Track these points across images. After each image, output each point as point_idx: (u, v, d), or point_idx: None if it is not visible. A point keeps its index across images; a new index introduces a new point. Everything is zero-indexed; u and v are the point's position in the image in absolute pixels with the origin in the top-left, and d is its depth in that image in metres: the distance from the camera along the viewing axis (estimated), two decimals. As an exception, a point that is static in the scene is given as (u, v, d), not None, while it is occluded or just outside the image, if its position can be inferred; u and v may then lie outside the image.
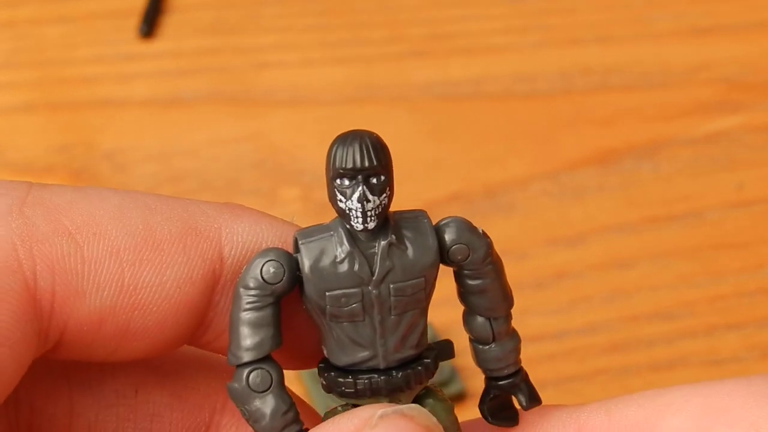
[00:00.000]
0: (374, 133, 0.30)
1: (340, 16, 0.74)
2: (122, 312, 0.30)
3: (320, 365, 0.31)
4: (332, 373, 0.31)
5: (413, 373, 0.31)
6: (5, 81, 0.72)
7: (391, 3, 0.75)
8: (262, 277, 0.30)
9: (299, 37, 0.74)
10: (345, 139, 0.30)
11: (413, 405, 0.30)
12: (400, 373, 0.30)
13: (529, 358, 0.58)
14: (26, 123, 0.70)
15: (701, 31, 0.74)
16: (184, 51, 0.74)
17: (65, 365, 0.33)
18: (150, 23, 0.74)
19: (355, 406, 0.31)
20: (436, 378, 0.55)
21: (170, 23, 0.75)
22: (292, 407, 0.30)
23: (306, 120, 0.69)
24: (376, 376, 0.30)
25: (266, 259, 0.30)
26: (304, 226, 0.31)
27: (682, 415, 0.31)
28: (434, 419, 0.29)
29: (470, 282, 0.31)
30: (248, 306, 0.30)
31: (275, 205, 0.65)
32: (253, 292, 0.30)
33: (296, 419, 0.30)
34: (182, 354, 0.34)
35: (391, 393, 0.30)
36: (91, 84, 0.72)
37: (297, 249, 0.30)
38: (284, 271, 0.30)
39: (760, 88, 0.71)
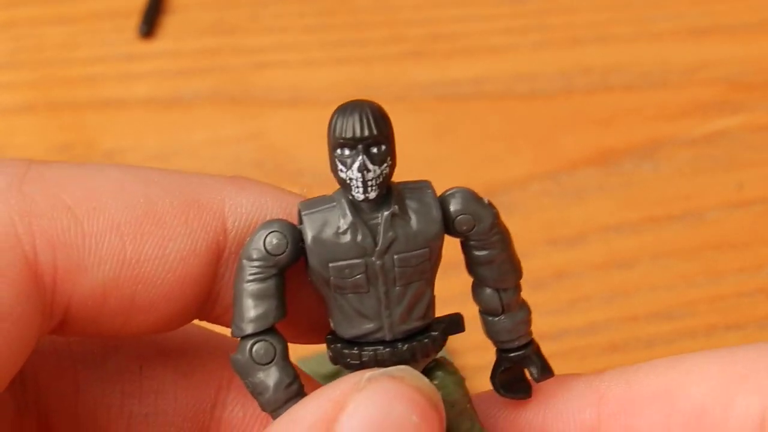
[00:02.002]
0: (375, 102, 0.30)
1: (340, 16, 0.74)
2: (126, 286, 0.30)
3: (328, 337, 0.31)
4: (338, 345, 0.31)
5: (419, 346, 0.30)
6: (5, 81, 0.72)
7: (391, 3, 0.75)
8: (265, 249, 0.30)
9: (299, 37, 0.74)
10: (345, 109, 0.30)
11: (403, 367, 0.30)
12: (406, 345, 0.30)
13: (529, 358, 0.59)
14: (26, 123, 0.70)
15: (701, 30, 0.74)
16: (184, 51, 0.74)
17: (70, 343, 0.33)
18: (150, 23, 0.74)
19: None
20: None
21: (170, 23, 0.75)
22: (295, 380, 0.30)
23: (306, 120, 0.69)
24: (381, 347, 0.30)
25: (269, 231, 0.30)
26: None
27: (704, 383, 0.31)
28: (426, 380, 0.29)
29: (477, 253, 0.31)
30: (251, 277, 0.30)
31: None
32: (256, 264, 0.30)
33: (300, 392, 0.30)
34: (187, 332, 0.34)
35: (397, 365, 0.30)
36: (91, 84, 0.72)
37: (301, 220, 0.30)
38: (287, 242, 0.30)
39: (761, 88, 0.71)
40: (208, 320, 0.32)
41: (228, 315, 0.31)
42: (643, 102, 0.71)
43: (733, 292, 0.62)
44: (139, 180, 0.31)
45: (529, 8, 0.75)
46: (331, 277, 0.30)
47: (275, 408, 0.30)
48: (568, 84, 0.72)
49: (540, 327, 0.60)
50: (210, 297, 0.31)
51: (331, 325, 0.31)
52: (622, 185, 0.67)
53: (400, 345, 0.30)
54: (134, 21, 0.75)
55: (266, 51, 0.73)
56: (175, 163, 0.68)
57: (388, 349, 0.30)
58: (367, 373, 0.29)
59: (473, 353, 0.56)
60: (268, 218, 0.31)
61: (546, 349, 0.59)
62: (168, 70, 0.73)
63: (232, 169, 0.68)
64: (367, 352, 0.30)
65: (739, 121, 0.70)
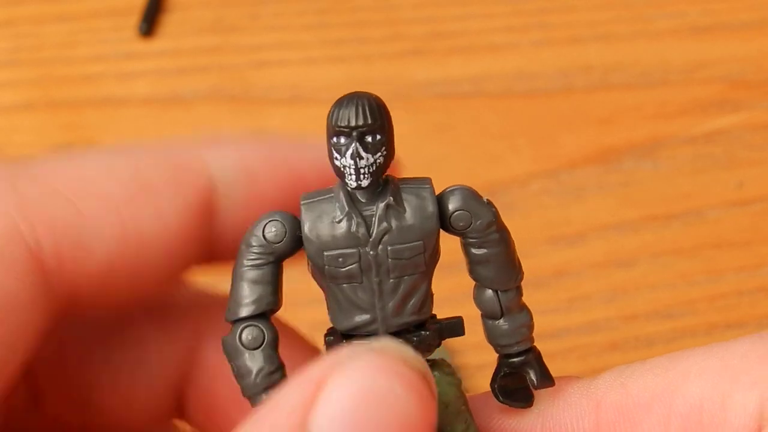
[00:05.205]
0: (374, 94, 0.30)
1: (339, 14, 0.74)
2: (130, 257, 0.31)
3: (326, 333, 0.32)
4: (332, 338, 0.31)
5: (406, 342, 0.30)
6: (5, 79, 0.72)
7: (390, 1, 0.75)
8: (264, 237, 0.30)
9: (299, 36, 0.74)
10: (343, 99, 0.30)
11: (386, 339, 0.29)
12: (399, 340, 0.30)
13: (529, 356, 0.59)
14: (26, 121, 0.70)
15: (701, 29, 0.74)
16: (184, 49, 0.74)
17: None
18: (150, 22, 0.74)
19: None
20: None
21: (170, 22, 0.75)
22: (279, 369, 0.30)
23: (306, 118, 0.69)
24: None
25: (269, 219, 0.30)
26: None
27: (701, 381, 0.30)
28: (410, 350, 0.28)
29: (474, 251, 0.31)
30: (249, 263, 0.30)
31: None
32: (255, 250, 0.30)
33: (281, 383, 0.30)
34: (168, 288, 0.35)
35: None
36: (91, 82, 0.72)
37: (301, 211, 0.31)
38: (285, 231, 0.30)
39: (760, 87, 0.71)
40: (210, 263, 0.33)
41: (229, 251, 0.32)
42: (643, 100, 0.71)
43: (733, 291, 0.62)
44: (125, 157, 0.32)
45: (529, 7, 0.75)
46: (326, 266, 0.30)
47: (254, 393, 0.30)
48: (568, 82, 0.72)
49: (540, 326, 0.60)
50: (211, 242, 0.32)
51: (329, 318, 0.31)
52: (622, 184, 0.67)
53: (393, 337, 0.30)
54: (134, 20, 0.74)
55: (266, 49, 0.73)
56: (175, 162, 0.68)
57: None
58: (348, 348, 0.28)
59: (473, 353, 0.56)
60: (248, 165, 0.32)
61: (546, 348, 0.59)
62: (168, 68, 0.73)
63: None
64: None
65: (739, 119, 0.70)
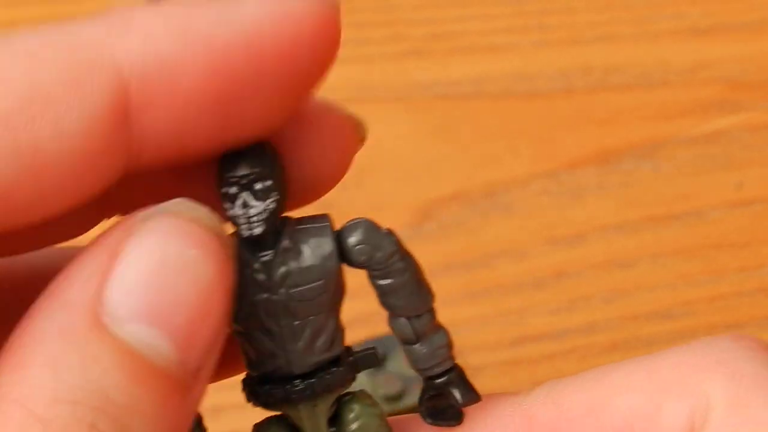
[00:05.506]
0: (263, 140, 0.29)
1: (340, 15, 0.74)
2: (27, 177, 0.27)
3: (243, 379, 0.31)
4: (250, 383, 0.31)
5: (319, 382, 0.30)
6: (5, 80, 0.72)
7: (390, 2, 0.75)
8: None
9: (299, 37, 0.74)
10: (230, 150, 0.29)
11: (179, 200, 0.28)
12: (314, 379, 0.30)
13: (530, 357, 0.59)
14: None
15: (701, 30, 0.74)
16: (184, 50, 0.74)
17: None
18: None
19: (281, 417, 0.30)
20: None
21: (170, 23, 0.75)
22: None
23: (306, 119, 0.69)
24: (289, 383, 0.30)
25: None
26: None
27: (632, 394, 0.30)
28: (204, 210, 0.27)
29: (381, 282, 0.31)
30: None
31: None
32: None
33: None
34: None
35: (306, 400, 0.30)
36: (91, 83, 0.72)
37: None
38: None
39: (761, 88, 0.71)
40: (136, 171, 0.29)
41: (164, 150, 0.28)
42: (643, 101, 0.71)
43: (733, 292, 0.62)
44: (18, 60, 0.28)
45: (529, 8, 0.75)
46: (236, 313, 0.29)
47: None
48: (568, 83, 0.72)
49: (540, 327, 0.60)
50: (131, 152, 0.28)
51: (245, 364, 0.31)
52: (622, 185, 0.67)
53: (306, 379, 0.30)
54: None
55: (266, 50, 0.73)
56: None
57: (297, 384, 0.30)
58: (141, 213, 0.27)
59: (473, 353, 0.56)
60: (162, 53, 0.28)
61: (546, 348, 0.59)
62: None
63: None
64: (275, 389, 0.30)
65: (739, 120, 0.70)
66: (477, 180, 0.67)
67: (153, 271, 0.26)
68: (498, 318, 0.59)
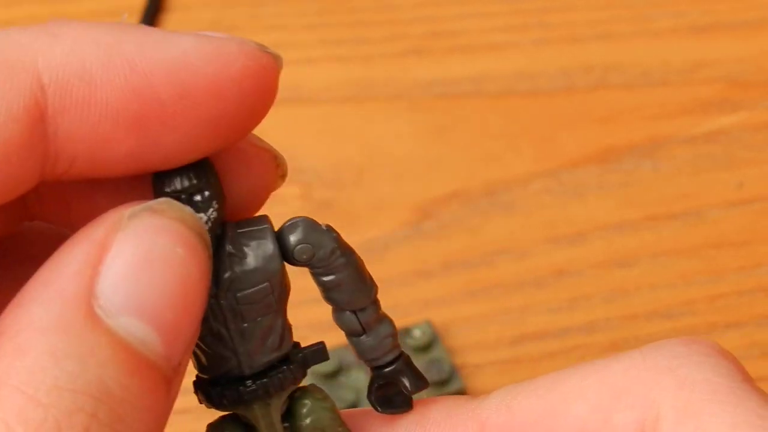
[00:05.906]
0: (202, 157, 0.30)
1: (339, 14, 0.74)
2: None
3: (194, 381, 0.31)
4: (203, 385, 0.31)
5: (271, 381, 0.31)
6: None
7: (391, 1, 0.75)
8: None
9: (298, 36, 0.74)
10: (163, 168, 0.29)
11: (164, 199, 0.28)
12: (266, 378, 0.30)
13: (530, 356, 0.59)
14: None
15: (701, 29, 0.74)
16: (184, 49, 0.74)
17: None
18: (150, 22, 0.74)
19: (234, 416, 0.31)
20: (436, 376, 0.55)
21: (170, 21, 0.75)
22: None
23: (305, 118, 0.69)
24: (242, 384, 0.30)
25: None
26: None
27: (583, 402, 0.30)
28: (188, 210, 0.28)
29: (324, 278, 0.31)
30: None
31: (275, 205, 0.65)
32: None
33: None
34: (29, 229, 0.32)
35: (259, 399, 0.30)
36: (91, 82, 0.72)
37: None
38: None
39: (761, 87, 0.71)
40: (57, 178, 0.29)
41: (75, 167, 0.29)
42: (643, 100, 0.71)
43: (732, 291, 0.62)
44: None
45: (529, 6, 0.75)
46: None
47: None
48: (568, 82, 0.72)
49: (541, 325, 0.60)
50: (48, 157, 0.28)
51: (196, 368, 0.31)
52: (623, 184, 0.67)
53: (258, 379, 0.30)
54: (134, 20, 0.74)
55: (266, 49, 0.73)
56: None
57: (249, 385, 0.30)
58: (128, 210, 0.27)
59: (473, 353, 0.56)
60: (83, 65, 0.28)
61: (546, 347, 0.59)
62: (168, 68, 0.73)
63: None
64: (228, 390, 0.30)
65: (739, 119, 0.70)
66: (477, 179, 0.67)
67: (143, 266, 0.27)
68: (498, 317, 0.59)
